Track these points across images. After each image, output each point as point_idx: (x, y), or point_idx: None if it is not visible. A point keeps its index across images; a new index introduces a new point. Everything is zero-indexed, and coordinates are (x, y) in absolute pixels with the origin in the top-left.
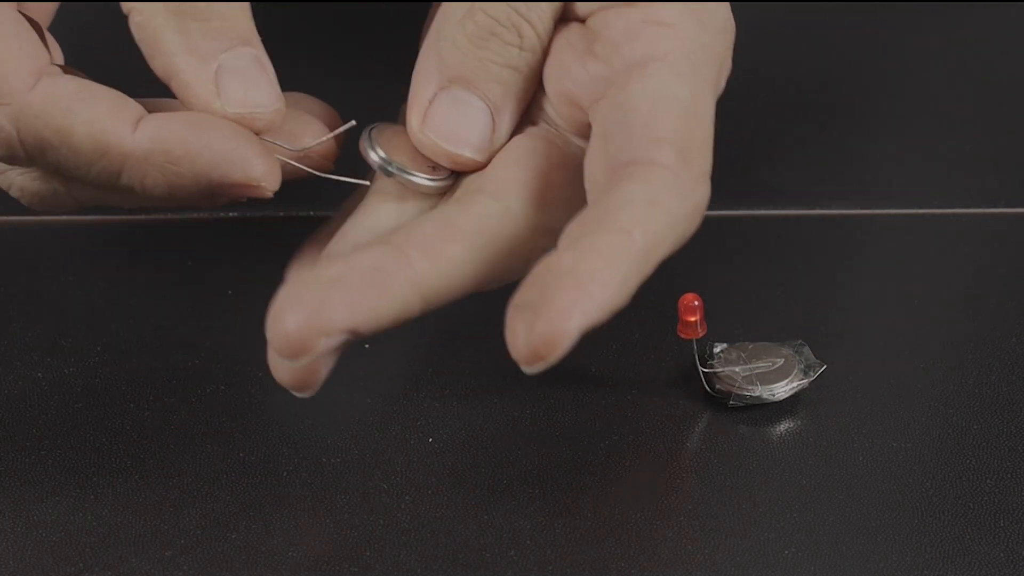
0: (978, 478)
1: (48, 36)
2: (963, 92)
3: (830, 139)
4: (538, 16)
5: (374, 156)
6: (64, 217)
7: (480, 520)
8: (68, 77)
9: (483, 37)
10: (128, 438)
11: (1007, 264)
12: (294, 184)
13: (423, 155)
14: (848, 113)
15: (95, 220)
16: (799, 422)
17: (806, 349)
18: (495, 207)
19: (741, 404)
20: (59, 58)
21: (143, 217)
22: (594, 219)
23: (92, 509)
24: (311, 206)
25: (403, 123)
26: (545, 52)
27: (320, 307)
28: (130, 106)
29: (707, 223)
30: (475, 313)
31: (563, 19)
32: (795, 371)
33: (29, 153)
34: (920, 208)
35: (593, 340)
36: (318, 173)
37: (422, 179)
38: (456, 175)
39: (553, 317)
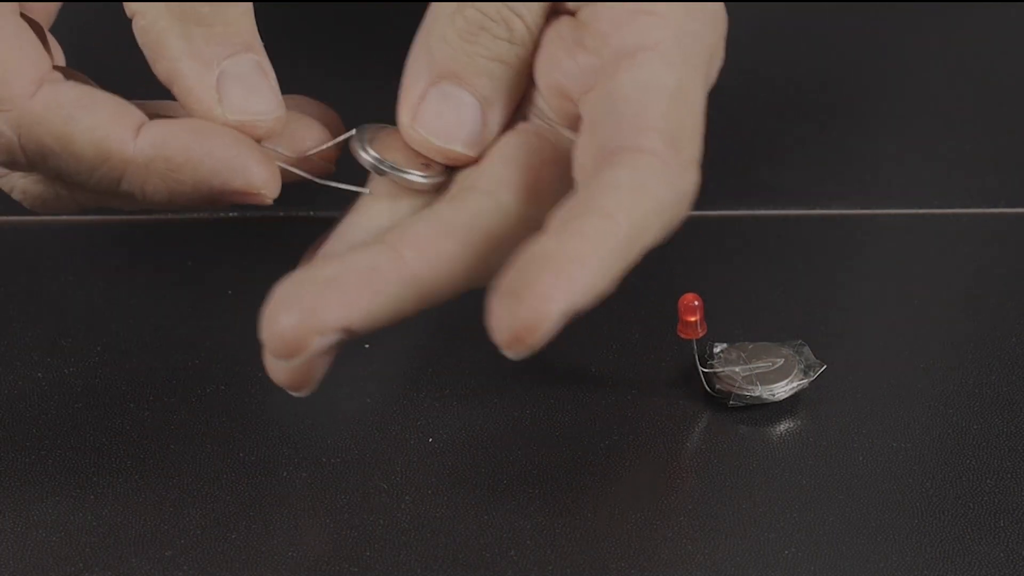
0: (978, 478)
1: (50, 37)
2: (963, 92)
3: (830, 139)
4: (528, 10)
5: (366, 156)
6: (64, 217)
7: (480, 520)
8: (70, 83)
9: (473, 32)
10: (128, 438)
11: (1007, 264)
12: (294, 185)
13: (416, 152)
14: (848, 113)
15: (95, 220)
16: (799, 422)
17: (806, 349)
18: (488, 203)
19: (741, 404)
20: (61, 59)
21: (143, 217)
22: (578, 204)
23: (92, 509)
24: (311, 206)
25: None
26: (536, 46)
27: (314, 306)
28: (131, 113)
29: (707, 223)
30: (475, 313)
31: (554, 12)
32: (795, 371)
33: (30, 159)
34: (920, 208)
35: (593, 340)
36: (318, 180)
37: (415, 176)
38: (449, 171)
39: (534, 301)
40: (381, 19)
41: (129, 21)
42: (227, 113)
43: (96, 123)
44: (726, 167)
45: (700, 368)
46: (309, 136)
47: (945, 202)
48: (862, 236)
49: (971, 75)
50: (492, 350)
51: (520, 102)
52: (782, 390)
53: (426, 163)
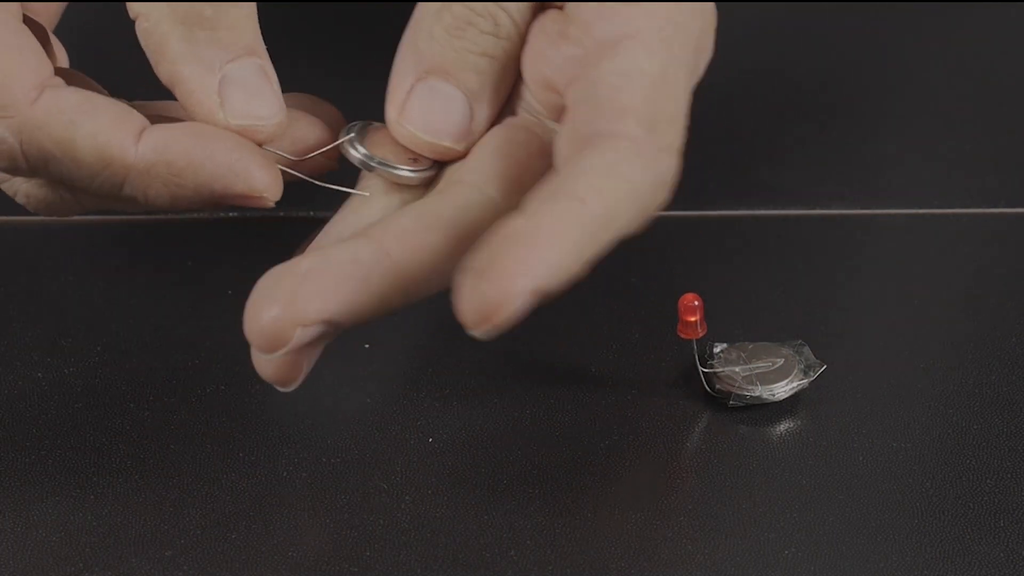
0: (978, 478)
1: (53, 39)
2: (963, 92)
3: (830, 139)
4: (514, 4)
5: (355, 153)
6: (64, 218)
7: (480, 520)
8: (71, 89)
9: (459, 27)
10: (128, 438)
11: (1007, 264)
12: (294, 185)
13: (404, 148)
14: (848, 113)
15: (95, 220)
16: (799, 422)
17: (806, 349)
18: (474, 196)
19: (741, 404)
20: (64, 60)
21: (143, 217)
22: (550, 187)
23: (92, 509)
24: (311, 206)
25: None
26: (523, 40)
27: (293, 298)
28: (133, 118)
29: (707, 223)
30: None
31: (541, 7)
32: (795, 371)
33: (32, 165)
34: (920, 208)
35: (593, 340)
36: (319, 183)
37: (404, 171)
38: (438, 166)
39: (500, 279)
40: (381, 19)
41: (132, 22)
42: (229, 117)
43: (97, 129)
44: (726, 167)
45: (700, 368)
46: (310, 135)
47: (945, 202)
48: (862, 236)
49: (971, 75)
50: (492, 350)
51: (508, 97)
52: (782, 390)
53: (415, 157)
